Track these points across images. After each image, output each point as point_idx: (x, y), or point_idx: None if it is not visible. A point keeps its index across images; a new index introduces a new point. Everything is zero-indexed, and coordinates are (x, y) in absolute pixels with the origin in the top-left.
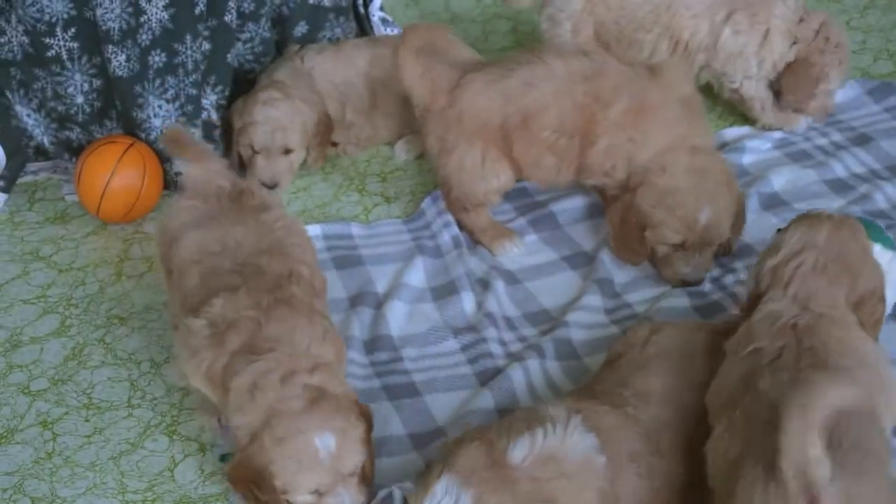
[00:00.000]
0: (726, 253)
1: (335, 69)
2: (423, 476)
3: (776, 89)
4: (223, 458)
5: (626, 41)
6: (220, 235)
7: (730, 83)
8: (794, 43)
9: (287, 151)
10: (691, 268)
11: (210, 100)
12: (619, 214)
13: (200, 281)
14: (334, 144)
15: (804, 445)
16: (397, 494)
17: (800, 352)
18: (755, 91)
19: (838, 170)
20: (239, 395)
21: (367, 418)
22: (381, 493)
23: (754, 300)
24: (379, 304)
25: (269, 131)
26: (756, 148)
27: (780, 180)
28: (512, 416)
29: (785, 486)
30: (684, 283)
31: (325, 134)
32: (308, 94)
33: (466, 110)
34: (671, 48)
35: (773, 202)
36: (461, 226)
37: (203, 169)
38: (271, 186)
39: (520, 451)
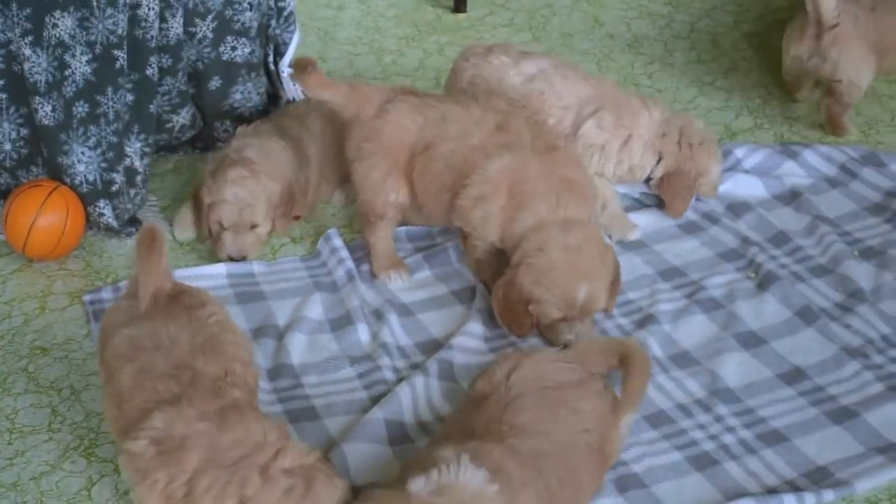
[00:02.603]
0: (605, 312)
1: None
2: None
3: (660, 198)
4: None
5: None
6: (153, 331)
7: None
8: (660, 159)
9: (253, 226)
10: (574, 335)
11: (134, 147)
12: (502, 290)
13: (134, 382)
14: (297, 218)
15: None
16: None
17: None
18: (607, 192)
19: (691, 215)
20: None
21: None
22: None
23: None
24: (280, 335)
25: (236, 210)
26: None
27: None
28: (408, 461)
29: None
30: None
31: (288, 205)
32: (274, 169)
33: (389, 124)
34: None
35: (634, 244)
36: (365, 244)
37: (149, 270)
38: (239, 259)
39: (417, 485)
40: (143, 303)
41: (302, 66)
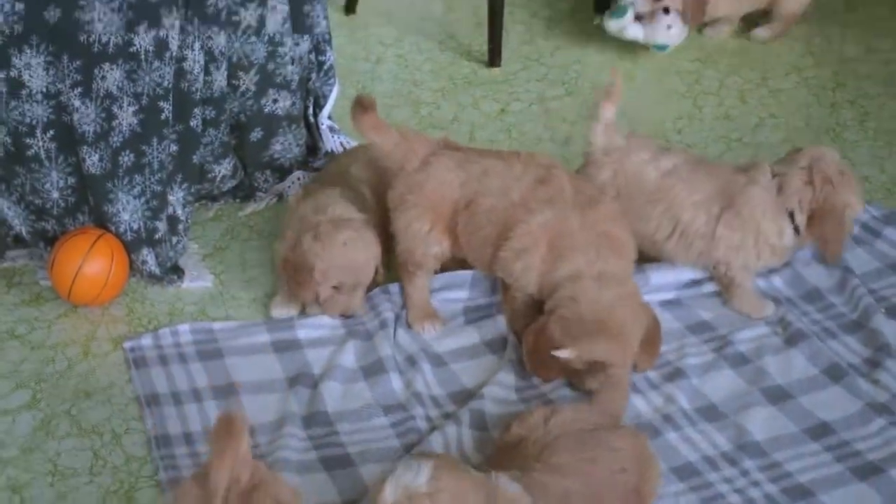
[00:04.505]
0: (637, 370)
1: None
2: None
3: (815, 245)
4: None
5: (636, 213)
6: None
7: (726, 269)
8: (791, 213)
9: (365, 283)
10: (598, 383)
11: (177, 196)
12: (533, 336)
13: None
14: (389, 252)
15: None
16: None
17: None
18: (745, 281)
19: None
20: None
21: None
22: None
23: None
24: (315, 383)
25: (353, 273)
26: None
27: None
28: None
29: None
30: (590, 392)
31: (385, 252)
32: (365, 219)
33: (432, 178)
34: (672, 227)
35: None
36: (403, 293)
37: (224, 463)
38: (349, 317)
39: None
40: (217, 496)
41: (363, 105)
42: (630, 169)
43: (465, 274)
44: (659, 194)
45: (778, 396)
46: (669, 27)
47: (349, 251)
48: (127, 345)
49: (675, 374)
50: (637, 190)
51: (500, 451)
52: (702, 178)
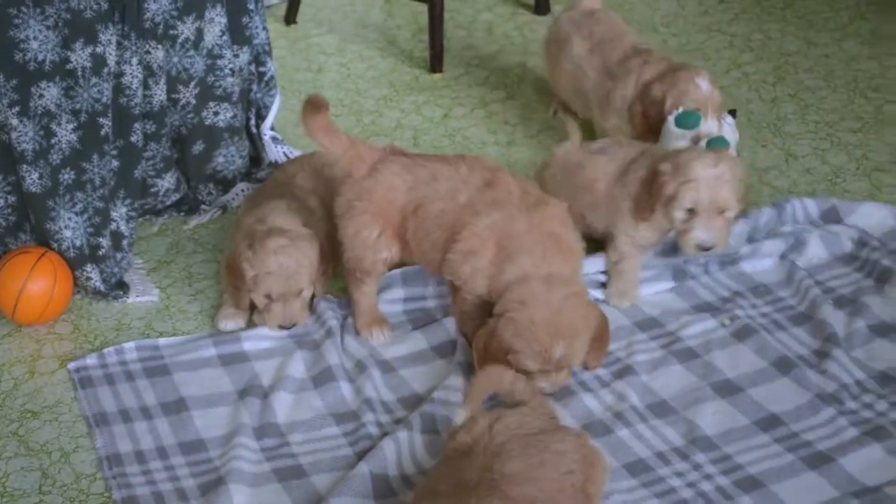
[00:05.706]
0: (588, 368)
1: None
2: None
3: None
4: None
5: (572, 198)
6: None
7: (617, 233)
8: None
9: (299, 292)
10: (549, 383)
11: (120, 212)
12: (483, 340)
13: None
14: (336, 261)
15: None
16: None
17: None
18: (625, 249)
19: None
20: None
21: None
22: None
23: None
24: (265, 394)
25: (283, 280)
26: None
27: None
28: None
29: None
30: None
31: (326, 262)
32: (305, 231)
33: (381, 184)
34: (592, 199)
35: None
36: (351, 300)
37: None
38: (289, 327)
39: None
40: None
41: (315, 106)
42: (566, 160)
43: (395, 273)
44: (586, 172)
45: (727, 390)
46: (730, 124)
47: (279, 259)
48: (71, 365)
49: (625, 372)
50: (572, 174)
51: (449, 459)
52: (623, 151)
